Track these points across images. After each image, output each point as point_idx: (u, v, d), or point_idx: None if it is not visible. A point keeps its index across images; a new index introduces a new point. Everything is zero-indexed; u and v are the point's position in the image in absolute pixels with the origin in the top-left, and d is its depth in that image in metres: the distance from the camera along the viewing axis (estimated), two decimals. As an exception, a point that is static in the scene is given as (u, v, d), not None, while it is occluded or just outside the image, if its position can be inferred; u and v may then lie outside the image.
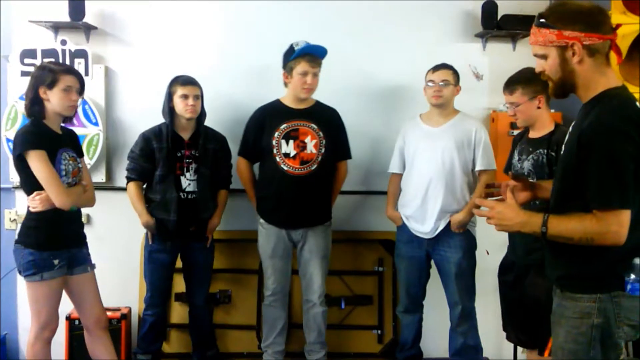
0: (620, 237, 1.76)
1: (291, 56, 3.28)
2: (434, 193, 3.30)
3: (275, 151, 3.32)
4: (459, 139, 3.31)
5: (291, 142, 3.32)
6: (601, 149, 1.76)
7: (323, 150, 3.34)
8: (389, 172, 3.55)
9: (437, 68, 3.34)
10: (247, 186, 3.49)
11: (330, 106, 3.48)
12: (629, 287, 1.81)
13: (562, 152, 2.00)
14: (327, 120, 3.41)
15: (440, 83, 3.29)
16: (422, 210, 3.33)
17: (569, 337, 1.89)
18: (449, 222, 3.31)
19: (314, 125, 3.35)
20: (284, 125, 3.34)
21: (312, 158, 3.33)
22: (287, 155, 3.32)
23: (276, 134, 3.33)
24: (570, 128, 1.97)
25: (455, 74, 3.36)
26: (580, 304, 1.86)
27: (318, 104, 3.46)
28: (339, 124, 3.48)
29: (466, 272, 3.36)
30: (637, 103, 1.89)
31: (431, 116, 3.41)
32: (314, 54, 3.29)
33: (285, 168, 3.32)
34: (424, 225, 3.34)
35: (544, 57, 1.91)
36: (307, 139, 3.34)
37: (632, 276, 1.81)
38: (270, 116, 3.38)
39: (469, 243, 3.38)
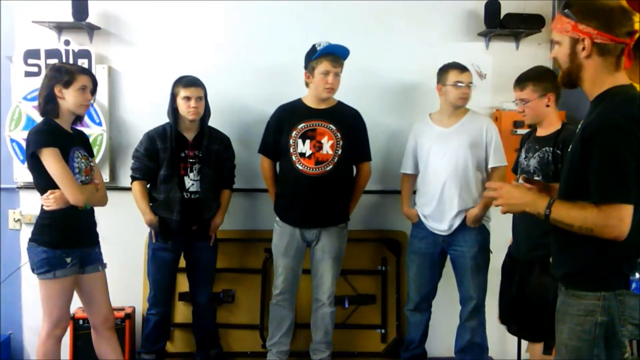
0: (620, 231, 1.75)
1: (313, 56, 3.28)
2: (449, 194, 3.32)
3: (291, 150, 3.32)
4: (471, 138, 3.33)
5: (307, 141, 3.32)
6: (602, 145, 1.77)
7: (340, 152, 3.33)
8: (400, 172, 3.56)
9: (463, 69, 3.34)
10: (268, 184, 3.50)
11: (353, 107, 3.46)
12: (633, 285, 1.81)
13: (568, 150, 2.00)
14: (347, 121, 3.39)
15: (469, 84, 3.32)
16: (439, 209, 3.35)
17: (573, 334, 1.89)
18: (464, 218, 3.32)
19: (332, 126, 3.34)
20: (302, 125, 3.34)
21: (327, 159, 3.32)
22: (302, 154, 3.32)
23: (293, 133, 3.33)
24: (579, 127, 1.97)
25: None
26: (585, 301, 1.86)
27: (340, 104, 3.44)
28: (359, 125, 3.45)
29: (481, 267, 3.37)
30: None
31: (442, 116, 3.41)
32: (335, 54, 3.28)
33: (301, 167, 3.32)
34: (442, 223, 3.36)
35: (559, 43, 1.92)
36: (324, 140, 3.33)
37: (637, 275, 1.82)
38: (289, 115, 3.39)
39: (484, 238, 3.40)
